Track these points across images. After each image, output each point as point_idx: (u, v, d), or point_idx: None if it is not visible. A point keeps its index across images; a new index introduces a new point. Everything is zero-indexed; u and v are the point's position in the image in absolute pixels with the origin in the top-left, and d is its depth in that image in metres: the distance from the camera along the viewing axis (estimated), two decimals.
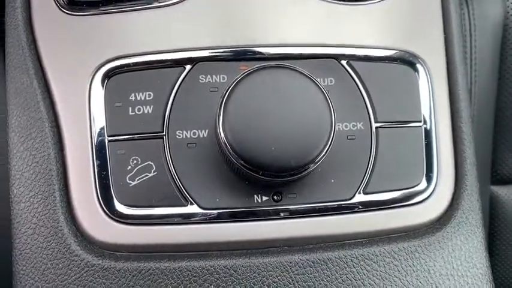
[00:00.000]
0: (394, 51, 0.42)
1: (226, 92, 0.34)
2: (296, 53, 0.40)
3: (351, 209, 0.38)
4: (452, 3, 0.44)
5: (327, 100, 0.34)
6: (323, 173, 0.38)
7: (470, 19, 0.68)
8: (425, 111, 0.41)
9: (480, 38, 0.69)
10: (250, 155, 0.33)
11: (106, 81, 0.38)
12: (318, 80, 0.38)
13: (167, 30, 0.39)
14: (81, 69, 0.39)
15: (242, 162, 0.33)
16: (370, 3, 0.42)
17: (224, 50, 0.39)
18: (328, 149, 0.34)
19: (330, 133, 0.34)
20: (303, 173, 0.34)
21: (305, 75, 0.35)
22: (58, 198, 0.37)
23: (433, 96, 0.42)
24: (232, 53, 0.39)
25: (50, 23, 0.40)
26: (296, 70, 0.35)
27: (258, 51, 0.40)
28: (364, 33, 0.41)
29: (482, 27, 0.69)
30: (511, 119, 0.69)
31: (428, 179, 0.40)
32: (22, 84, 0.39)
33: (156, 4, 0.40)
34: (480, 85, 0.69)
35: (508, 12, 0.70)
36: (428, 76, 0.42)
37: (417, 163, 0.40)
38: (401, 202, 0.39)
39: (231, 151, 0.33)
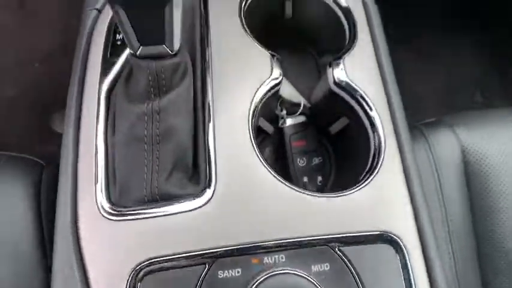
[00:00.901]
0: (374, 233, 0.51)
1: None
2: (296, 244, 0.49)
3: None
4: (414, 175, 0.55)
5: None
6: None
7: (436, 163, 0.80)
8: (405, 281, 0.49)
9: (447, 177, 0.80)
10: None
11: (139, 284, 0.46)
12: (317, 265, 0.47)
13: (190, 233, 0.48)
14: (116, 271, 0.46)
15: None
16: (350, 193, 0.53)
17: (237, 247, 0.48)
18: None
19: None
20: None
21: (303, 276, 0.43)
22: None
23: (411, 267, 0.50)
24: (244, 249, 0.48)
25: (93, 225, 0.49)
26: (296, 274, 0.43)
27: (264, 246, 0.48)
28: (348, 221, 0.51)
29: (446, 167, 0.80)
30: (491, 245, 0.77)
31: None
32: (66, 276, 0.46)
33: (178, 210, 0.49)
34: (455, 220, 0.78)
35: (464, 151, 0.82)
36: (405, 249, 0.51)
37: None
38: None
39: None
